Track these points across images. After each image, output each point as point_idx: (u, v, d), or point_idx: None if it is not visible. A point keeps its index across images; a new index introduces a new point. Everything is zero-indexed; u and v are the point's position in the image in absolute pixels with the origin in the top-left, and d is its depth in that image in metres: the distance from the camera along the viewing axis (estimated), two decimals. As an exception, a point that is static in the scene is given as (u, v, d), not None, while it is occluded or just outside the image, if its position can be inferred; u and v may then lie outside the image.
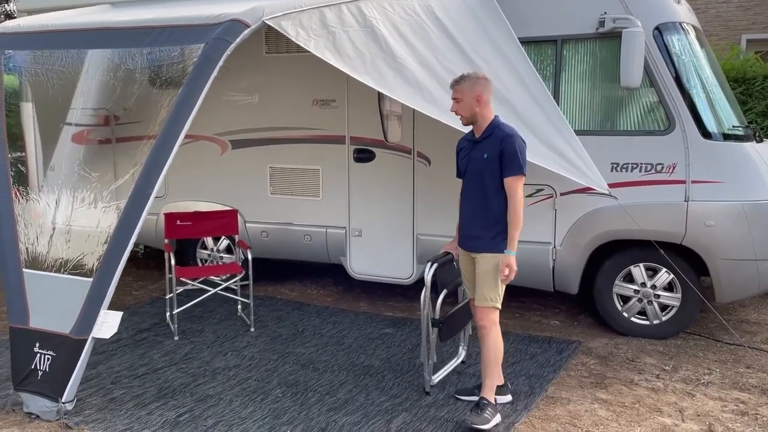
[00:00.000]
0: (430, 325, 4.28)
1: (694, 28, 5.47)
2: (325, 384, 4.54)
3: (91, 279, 3.98)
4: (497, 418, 3.95)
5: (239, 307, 6.09)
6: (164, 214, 5.81)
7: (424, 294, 4.23)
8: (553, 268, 5.43)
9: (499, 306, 3.97)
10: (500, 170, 3.85)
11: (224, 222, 5.94)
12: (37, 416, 4.03)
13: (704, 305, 5.27)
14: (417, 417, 4.07)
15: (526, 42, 5.14)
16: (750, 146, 5.11)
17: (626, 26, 4.88)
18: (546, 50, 5.35)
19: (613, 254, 5.36)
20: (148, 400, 4.31)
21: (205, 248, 6.77)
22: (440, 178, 5.65)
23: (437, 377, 4.53)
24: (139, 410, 4.16)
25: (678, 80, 5.04)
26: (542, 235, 5.41)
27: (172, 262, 5.47)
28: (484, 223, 3.93)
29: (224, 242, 6.66)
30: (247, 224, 6.46)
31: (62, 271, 4.16)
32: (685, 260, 5.16)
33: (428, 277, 4.21)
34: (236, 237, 6.16)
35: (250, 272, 5.63)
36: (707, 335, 5.44)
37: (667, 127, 5.07)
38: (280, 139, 6.26)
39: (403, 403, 4.25)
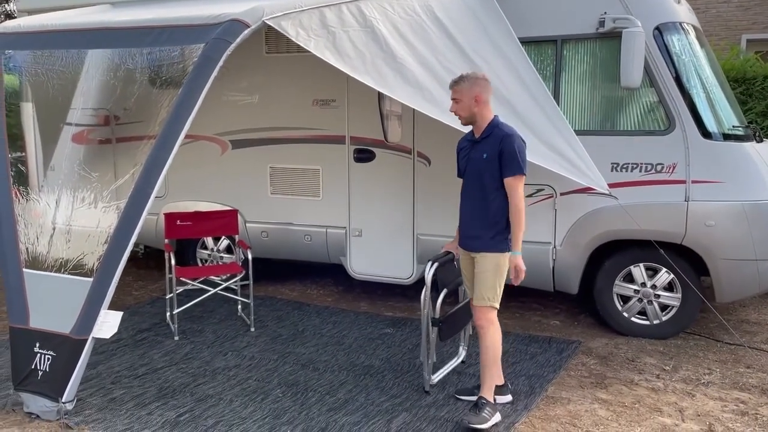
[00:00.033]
0: (430, 324, 4.28)
1: (694, 28, 5.47)
2: (325, 384, 4.54)
3: (91, 279, 3.98)
4: (496, 418, 3.94)
5: (239, 307, 6.09)
6: (164, 214, 5.81)
7: (425, 293, 4.23)
8: (553, 268, 5.43)
9: (497, 306, 3.97)
10: (500, 170, 3.86)
11: (224, 222, 5.95)
12: (38, 416, 4.03)
13: (704, 305, 5.27)
14: (417, 417, 4.07)
15: (526, 42, 5.13)
16: (750, 146, 5.11)
17: (626, 26, 4.88)
18: (546, 50, 5.35)
19: (613, 254, 5.36)
20: (148, 400, 4.31)
21: (205, 248, 6.77)
22: (440, 178, 5.65)
23: (437, 377, 4.53)
24: (139, 410, 4.16)
25: (678, 80, 5.04)
26: (542, 235, 5.40)
27: (172, 262, 5.47)
28: (484, 222, 3.94)
29: (224, 242, 6.66)
30: (247, 224, 6.46)
31: (62, 271, 4.16)
32: (686, 260, 5.15)
33: (429, 276, 4.21)
34: (236, 237, 6.15)
35: (250, 272, 5.64)
36: (707, 335, 5.44)
37: (667, 127, 5.07)
38: (280, 139, 6.26)
39: (403, 403, 4.25)
